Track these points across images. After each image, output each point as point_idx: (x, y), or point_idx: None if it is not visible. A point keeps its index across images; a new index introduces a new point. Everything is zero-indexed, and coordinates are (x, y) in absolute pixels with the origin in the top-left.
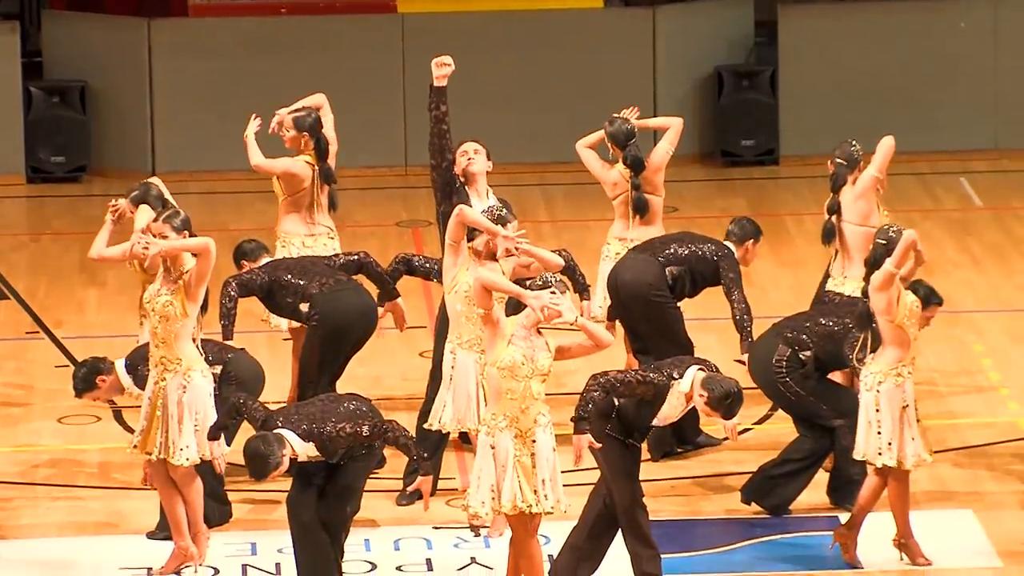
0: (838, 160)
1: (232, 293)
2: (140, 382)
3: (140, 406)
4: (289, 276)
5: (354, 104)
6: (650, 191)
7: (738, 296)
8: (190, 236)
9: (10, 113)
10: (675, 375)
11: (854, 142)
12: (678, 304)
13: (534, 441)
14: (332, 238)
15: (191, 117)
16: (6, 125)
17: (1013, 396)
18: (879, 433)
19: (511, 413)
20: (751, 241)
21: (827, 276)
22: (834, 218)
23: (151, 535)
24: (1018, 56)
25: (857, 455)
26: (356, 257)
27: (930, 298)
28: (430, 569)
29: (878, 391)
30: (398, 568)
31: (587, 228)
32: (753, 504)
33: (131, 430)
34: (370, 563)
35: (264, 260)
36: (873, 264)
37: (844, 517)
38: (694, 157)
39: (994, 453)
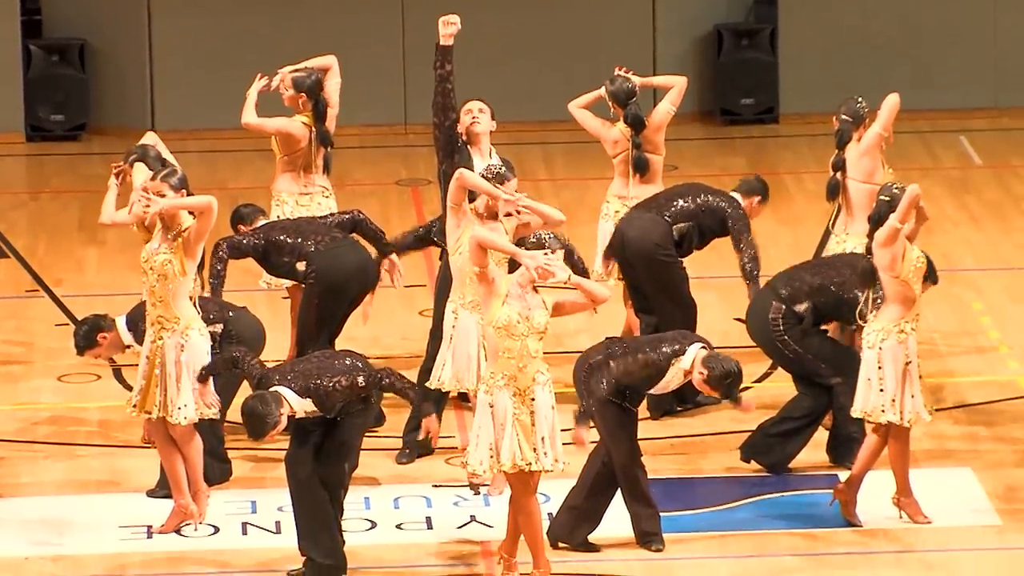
0: (843, 117)
1: (222, 255)
2: (141, 338)
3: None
4: (284, 236)
5: (354, 62)
6: (650, 150)
7: (747, 242)
8: (188, 194)
9: (10, 71)
10: (677, 350)
11: (859, 99)
12: (683, 263)
13: (533, 399)
14: (327, 197)
15: (190, 75)
16: (5, 83)
17: (1012, 355)
18: (881, 391)
19: (509, 372)
20: (757, 198)
21: (828, 233)
22: (838, 174)
23: (151, 493)
24: (1018, 15)
25: (855, 413)
26: (350, 215)
27: (928, 276)
28: (430, 527)
29: (881, 348)
30: (398, 526)
31: (587, 186)
32: (752, 462)
33: (131, 388)
34: (370, 521)
35: (260, 223)
36: (877, 221)
37: (844, 475)
38: (694, 115)
39: (993, 411)
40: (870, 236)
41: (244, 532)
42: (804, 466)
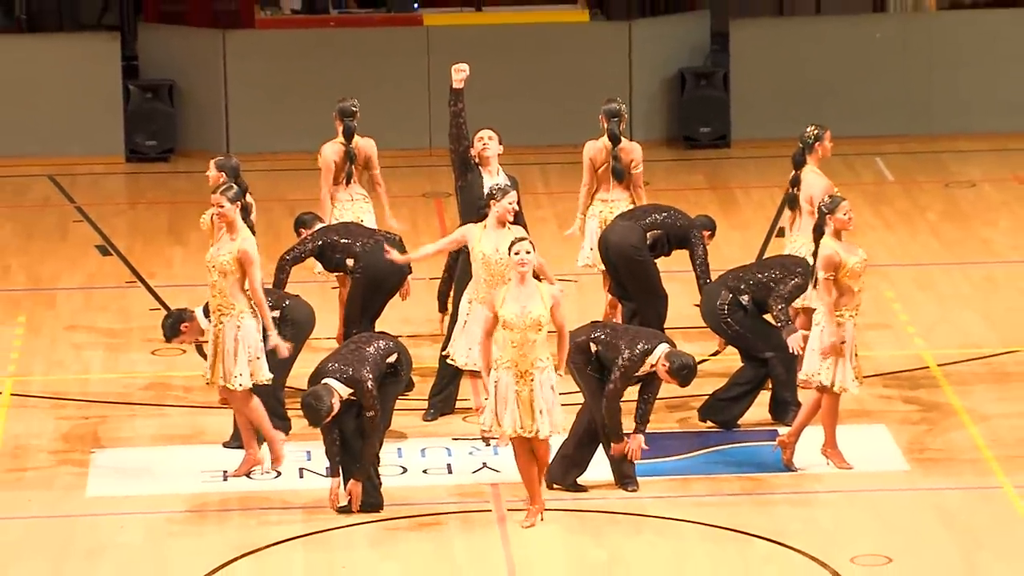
0: (799, 144)
1: (285, 266)
2: None
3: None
4: (336, 237)
5: (388, 98)
6: (625, 164)
7: (703, 276)
8: (243, 205)
9: (113, 106)
10: (648, 349)
11: (809, 127)
12: (655, 262)
13: (532, 379)
14: (367, 202)
15: (258, 109)
16: (109, 116)
17: (918, 333)
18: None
19: (513, 357)
20: (709, 232)
21: (771, 233)
22: (794, 189)
23: (226, 445)
24: (922, 61)
25: (801, 375)
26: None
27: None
28: (450, 472)
29: (822, 327)
30: (424, 471)
31: (578, 198)
32: (708, 421)
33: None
34: (402, 467)
35: (317, 227)
36: (819, 228)
37: (782, 430)
38: (662, 141)
39: (903, 379)
40: (815, 242)
41: (301, 476)
42: (750, 423)
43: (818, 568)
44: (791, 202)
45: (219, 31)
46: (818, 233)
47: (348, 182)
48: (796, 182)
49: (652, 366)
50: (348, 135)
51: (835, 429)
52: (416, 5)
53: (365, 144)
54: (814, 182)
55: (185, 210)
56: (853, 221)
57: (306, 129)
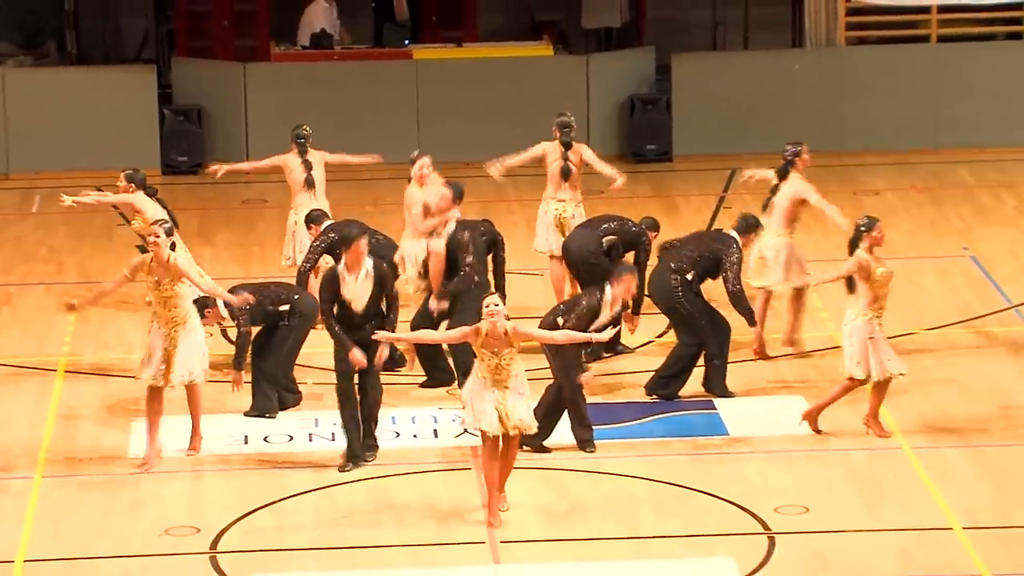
0: (783, 159)
1: (307, 276)
2: (231, 312)
3: (236, 327)
4: (336, 237)
5: (383, 120)
6: (575, 163)
7: (643, 266)
8: (174, 239)
9: (150, 128)
10: (601, 292)
11: (788, 145)
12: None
13: (506, 387)
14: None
15: (274, 129)
16: (147, 136)
17: (831, 318)
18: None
19: (488, 373)
20: (654, 233)
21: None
22: (772, 196)
23: (247, 414)
24: (834, 88)
25: (846, 372)
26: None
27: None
28: (436, 436)
29: (851, 328)
30: (414, 435)
31: (540, 203)
32: (653, 395)
33: (232, 342)
34: (395, 432)
35: (325, 224)
36: (852, 244)
37: (717, 401)
38: (614, 156)
39: (817, 356)
40: (849, 253)
41: (310, 440)
42: (687, 395)
43: (747, 517)
44: (766, 206)
45: (240, 64)
46: (853, 247)
47: (310, 187)
48: (775, 190)
49: (612, 299)
50: (303, 150)
51: (878, 406)
52: (407, 42)
53: (318, 155)
54: (804, 188)
55: (212, 215)
56: (884, 238)
57: (314, 147)
